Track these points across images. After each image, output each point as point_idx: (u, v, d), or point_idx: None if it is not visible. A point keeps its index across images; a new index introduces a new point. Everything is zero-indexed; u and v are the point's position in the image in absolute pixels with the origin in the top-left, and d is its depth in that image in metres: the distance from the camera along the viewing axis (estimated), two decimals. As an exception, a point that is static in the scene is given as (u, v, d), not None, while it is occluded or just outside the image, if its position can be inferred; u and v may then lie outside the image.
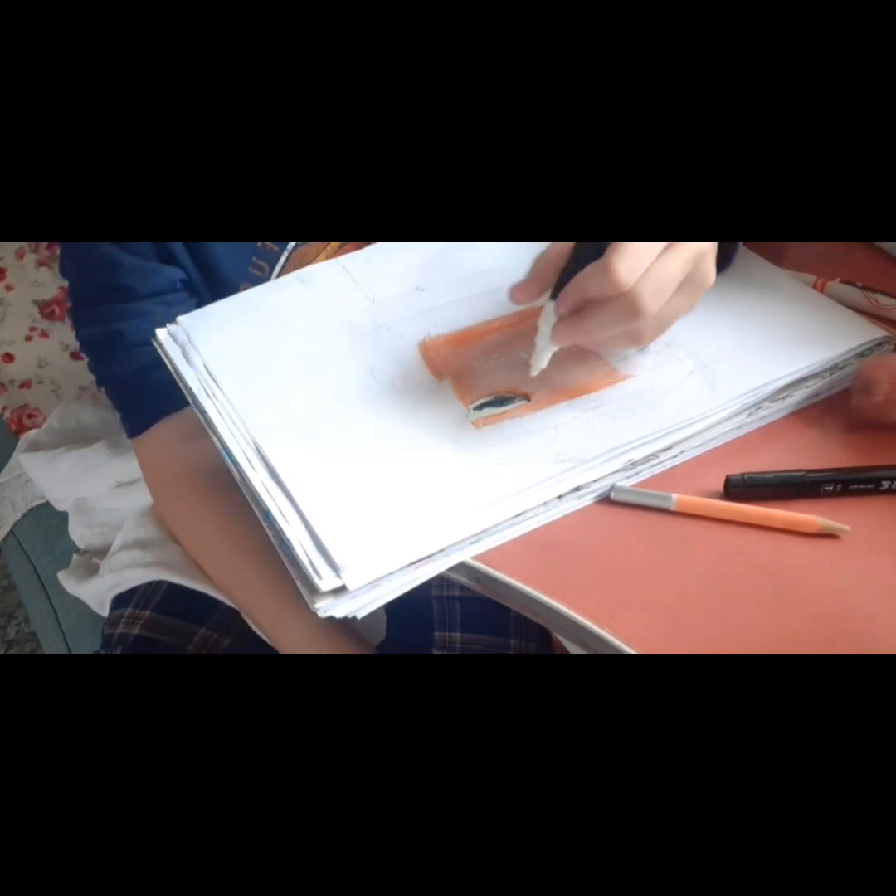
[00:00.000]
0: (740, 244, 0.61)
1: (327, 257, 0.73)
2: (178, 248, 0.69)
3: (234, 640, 0.75)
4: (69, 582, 0.84)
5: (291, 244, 0.73)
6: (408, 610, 0.74)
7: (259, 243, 0.71)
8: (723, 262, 0.60)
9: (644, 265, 0.50)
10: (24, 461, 0.93)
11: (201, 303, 0.68)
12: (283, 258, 0.73)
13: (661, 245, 0.51)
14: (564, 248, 0.53)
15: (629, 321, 0.51)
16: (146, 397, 0.72)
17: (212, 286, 0.71)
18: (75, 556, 0.88)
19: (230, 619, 0.76)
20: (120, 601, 0.79)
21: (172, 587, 0.76)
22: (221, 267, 0.69)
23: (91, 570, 0.84)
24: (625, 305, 0.50)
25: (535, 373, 0.56)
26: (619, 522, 0.52)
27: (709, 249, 0.52)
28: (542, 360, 0.55)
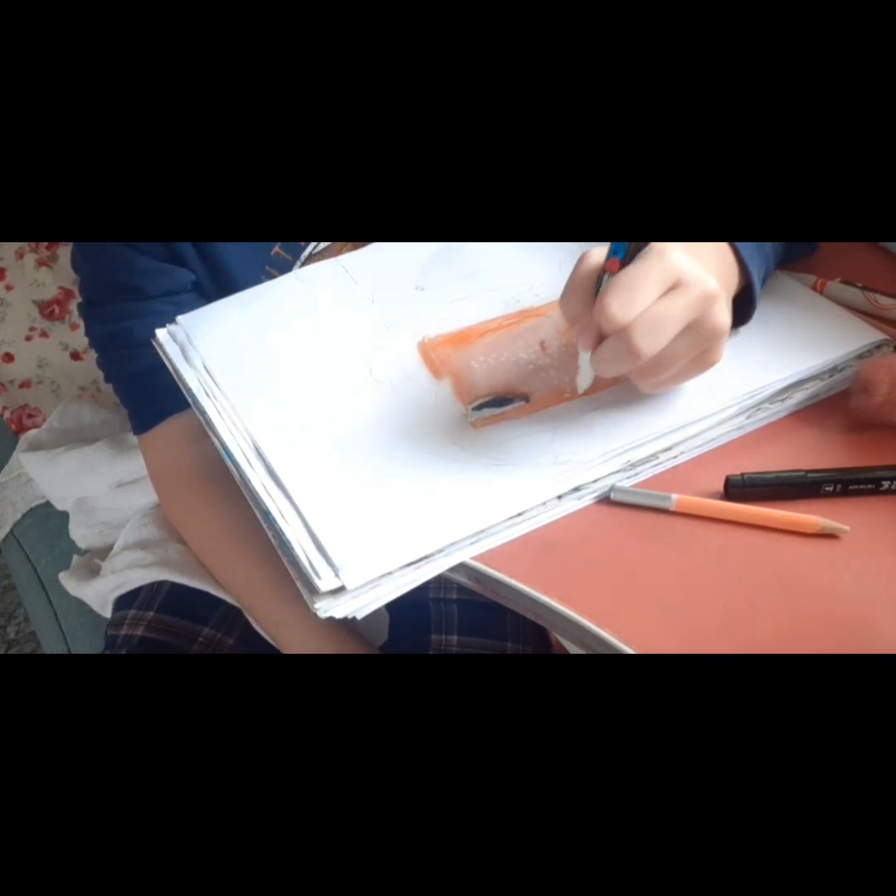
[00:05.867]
0: (757, 298, 0.57)
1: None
2: (189, 253, 0.69)
3: (238, 640, 0.75)
4: (71, 583, 0.84)
5: (305, 253, 0.73)
6: (405, 613, 0.74)
7: (272, 251, 0.71)
8: (741, 318, 0.57)
9: (639, 303, 0.48)
10: (25, 460, 0.93)
11: None
12: (296, 266, 0.73)
13: (664, 283, 0.48)
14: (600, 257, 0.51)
15: (627, 360, 0.49)
16: (154, 395, 0.72)
17: (223, 293, 0.71)
18: (76, 557, 0.88)
19: (233, 618, 0.76)
20: (123, 602, 0.79)
21: (175, 587, 0.76)
22: (233, 275, 0.69)
23: (92, 571, 0.84)
24: (620, 343, 0.49)
25: (580, 390, 0.56)
26: (619, 522, 0.52)
27: (719, 294, 0.49)
28: (586, 379, 0.55)
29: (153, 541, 0.81)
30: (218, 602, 0.75)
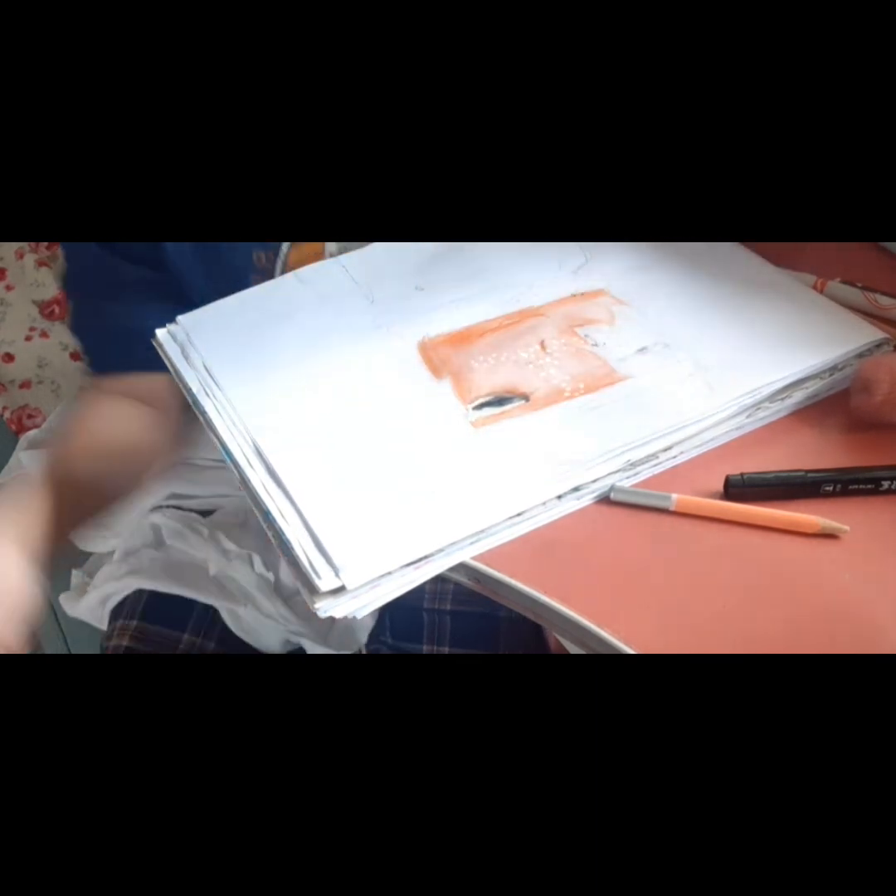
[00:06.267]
0: None
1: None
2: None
3: (218, 644, 0.76)
4: (69, 604, 0.85)
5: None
6: (398, 622, 0.74)
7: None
8: None
9: None
10: (25, 459, 0.93)
11: (194, 296, 0.69)
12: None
13: None
14: None
15: None
16: (117, 348, 0.72)
17: (214, 279, 0.71)
18: (75, 574, 0.88)
19: (209, 621, 0.76)
20: (114, 614, 0.80)
21: (152, 594, 0.77)
22: (223, 256, 0.70)
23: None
24: None
25: None
26: (618, 522, 0.52)
27: None
28: None
29: (132, 550, 0.81)
30: (191, 604, 0.76)
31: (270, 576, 0.78)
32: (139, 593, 0.78)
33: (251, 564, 0.77)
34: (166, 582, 0.76)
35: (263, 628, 0.78)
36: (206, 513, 0.82)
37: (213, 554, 0.77)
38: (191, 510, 0.82)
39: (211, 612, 0.75)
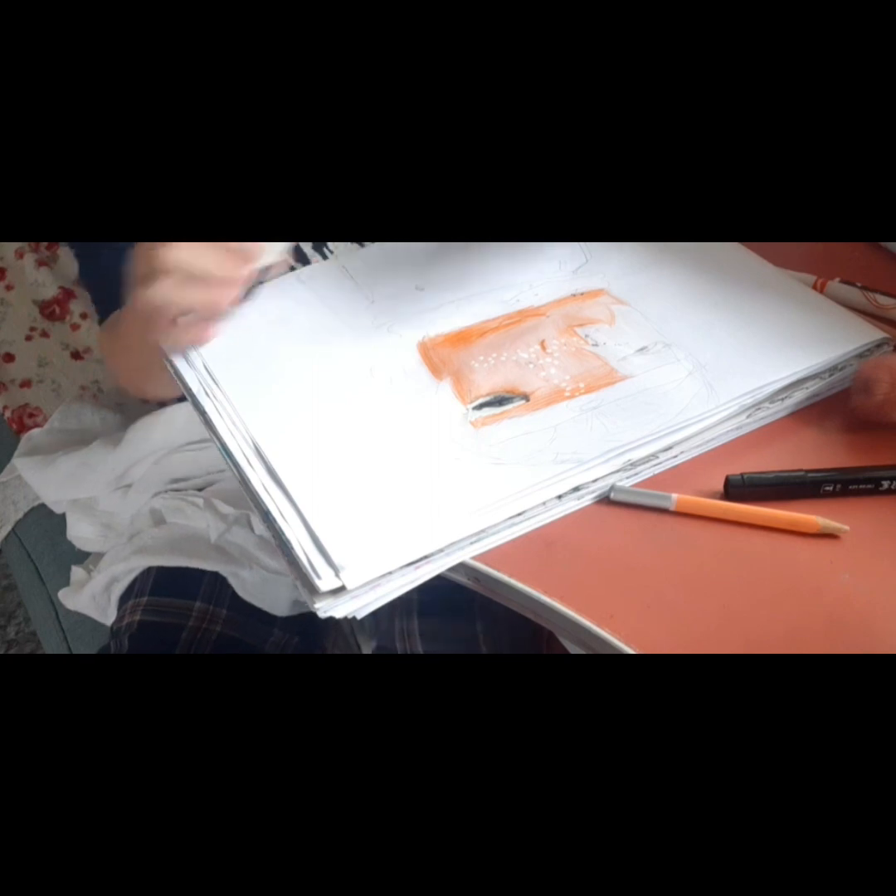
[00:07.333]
0: None
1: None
2: None
3: (230, 609, 0.76)
4: (69, 599, 0.85)
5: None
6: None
7: None
8: None
9: None
10: (20, 465, 0.93)
11: None
12: None
13: None
14: None
15: None
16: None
17: None
18: (75, 570, 0.88)
19: (219, 588, 0.77)
20: (123, 598, 0.80)
21: (160, 570, 0.78)
22: None
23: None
24: None
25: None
26: (619, 522, 0.52)
27: None
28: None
29: (135, 532, 0.82)
30: (201, 574, 0.76)
31: (269, 534, 0.78)
32: (146, 573, 0.79)
33: (249, 526, 0.77)
34: (171, 556, 0.77)
35: (269, 588, 0.78)
36: (202, 490, 0.82)
37: (212, 521, 0.77)
38: (187, 490, 0.82)
39: (220, 579, 0.76)
